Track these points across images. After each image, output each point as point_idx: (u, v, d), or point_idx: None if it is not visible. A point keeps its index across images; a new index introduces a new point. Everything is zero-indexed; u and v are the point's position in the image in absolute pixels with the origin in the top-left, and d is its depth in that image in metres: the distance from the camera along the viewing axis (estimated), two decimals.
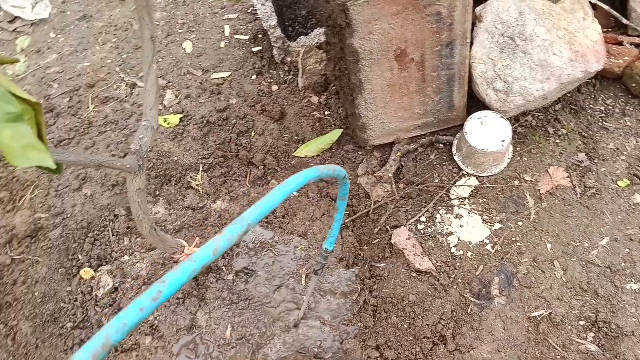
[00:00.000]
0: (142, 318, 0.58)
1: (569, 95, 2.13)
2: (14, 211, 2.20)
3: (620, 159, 1.99)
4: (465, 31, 1.88)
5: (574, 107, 2.12)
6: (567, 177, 1.97)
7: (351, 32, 1.79)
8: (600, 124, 2.08)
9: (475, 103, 2.11)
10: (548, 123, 2.10)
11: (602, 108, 2.11)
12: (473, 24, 2.02)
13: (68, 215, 2.17)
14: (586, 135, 2.06)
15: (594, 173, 1.97)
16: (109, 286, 1.97)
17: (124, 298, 1.93)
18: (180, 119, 2.42)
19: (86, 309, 1.94)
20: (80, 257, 2.06)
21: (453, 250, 1.90)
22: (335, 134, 2.23)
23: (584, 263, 1.80)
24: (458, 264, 1.87)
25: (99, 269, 2.02)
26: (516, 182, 2.00)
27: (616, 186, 1.93)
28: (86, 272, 2.01)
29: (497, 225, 1.92)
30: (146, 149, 1.40)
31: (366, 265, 1.94)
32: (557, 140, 2.06)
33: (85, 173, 2.28)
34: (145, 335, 1.86)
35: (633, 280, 1.75)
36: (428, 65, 1.95)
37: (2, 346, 1.88)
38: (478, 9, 2.01)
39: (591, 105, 2.12)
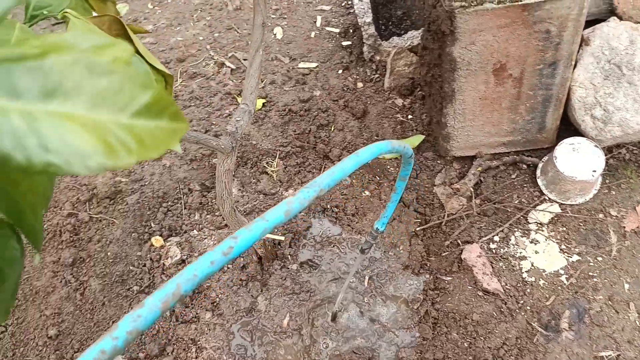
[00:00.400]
0: (212, 272, 0.59)
1: None
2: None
3: None
4: (571, 52, 1.81)
5: None
6: None
7: (453, 40, 1.76)
8: None
9: (567, 128, 2.04)
10: None
11: None
12: (579, 47, 1.94)
13: (146, 183, 2.24)
14: None
15: None
16: (176, 257, 2.02)
17: None
18: (263, 103, 2.45)
19: (153, 276, 2.00)
20: (152, 225, 2.12)
21: (525, 275, 1.84)
22: (417, 139, 2.20)
23: None
24: (528, 290, 1.81)
25: (169, 239, 2.08)
26: (601, 215, 1.92)
27: None
28: (157, 240, 2.07)
29: (574, 257, 1.85)
30: (241, 132, 1.42)
31: (431, 277, 1.92)
32: None
33: None
34: (207, 310, 1.90)
35: None
36: (526, 83, 1.89)
37: (71, 299, 1.97)
38: (587, 31, 1.93)
39: None
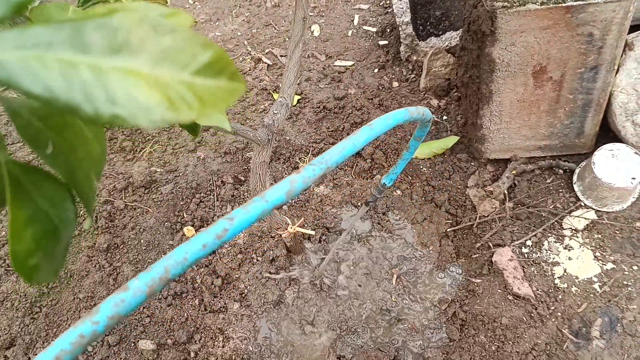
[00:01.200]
0: (204, 254, 0.55)
1: None
2: (134, 161, 2.34)
3: None
4: (614, 57, 1.77)
5: None
6: None
7: (493, 41, 1.75)
8: None
9: (605, 134, 2.00)
10: None
11: None
12: (622, 51, 1.90)
13: (180, 174, 2.28)
14: None
15: None
16: None
17: (220, 262, 2.00)
18: (298, 100, 2.46)
19: None
20: (185, 215, 2.16)
21: (557, 281, 1.81)
22: (451, 140, 2.19)
23: None
24: (560, 296, 1.78)
25: (200, 229, 2.11)
26: (638, 224, 1.88)
27: None
28: (189, 230, 2.10)
29: (609, 265, 1.81)
30: (278, 125, 1.44)
31: (461, 278, 1.90)
32: None
33: (202, 137, 2.38)
34: (235, 301, 1.92)
35: None
36: (566, 87, 1.86)
37: (104, 283, 2.01)
38: (631, 36, 1.89)
39: None
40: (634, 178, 1.81)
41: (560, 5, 1.63)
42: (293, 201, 2.16)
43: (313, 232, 1.81)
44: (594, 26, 1.69)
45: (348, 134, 2.32)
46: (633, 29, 1.90)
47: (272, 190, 0.66)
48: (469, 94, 2.07)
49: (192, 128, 1.31)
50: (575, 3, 1.63)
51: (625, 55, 1.90)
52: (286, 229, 1.75)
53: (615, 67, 1.82)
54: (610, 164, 1.85)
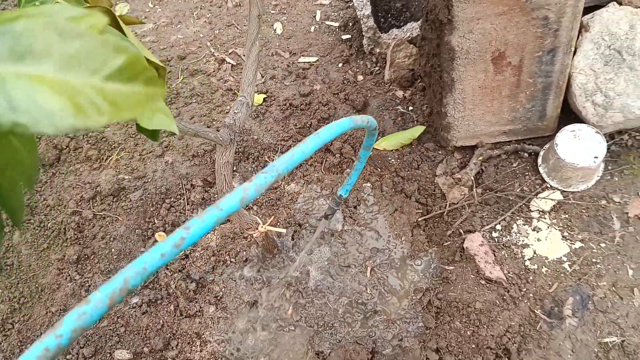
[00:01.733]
0: (163, 264, 0.56)
1: None
2: (100, 169, 2.31)
3: None
4: (570, 39, 1.80)
5: None
6: None
7: (451, 29, 1.76)
8: None
9: (567, 115, 2.03)
10: None
11: None
12: (578, 33, 1.93)
13: (149, 180, 2.25)
14: None
15: None
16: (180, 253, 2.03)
17: (193, 266, 1.99)
18: (264, 98, 2.45)
19: (157, 272, 2.01)
20: (156, 221, 2.13)
21: (527, 263, 1.84)
22: (417, 130, 2.20)
23: None
24: (531, 278, 1.81)
25: None
26: (603, 202, 1.91)
27: None
28: (160, 236, 2.08)
29: (577, 244, 1.84)
30: (239, 124, 1.43)
31: (434, 266, 1.92)
32: None
33: (169, 141, 2.36)
34: (210, 304, 1.91)
35: None
36: (525, 71, 1.89)
37: (76, 295, 1.98)
38: (586, 17, 1.92)
39: None
40: (596, 157, 1.84)
41: None
42: (264, 200, 2.15)
43: (284, 230, 1.80)
44: (548, 9, 1.71)
45: (315, 130, 2.32)
46: (588, 10, 1.93)
47: (226, 199, 0.67)
48: (432, 83, 2.08)
49: (152, 133, 1.29)
50: None
51: (581, 37, 1.93)
52: (257, 229, 1.74)
53: (572, 49, 1.85)
54: (573, 145, 1.88)
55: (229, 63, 2.61)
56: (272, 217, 1.82)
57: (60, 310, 1.93)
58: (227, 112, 2.43)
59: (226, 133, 1.41)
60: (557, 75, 1.90)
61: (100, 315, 0.44)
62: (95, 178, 2.27)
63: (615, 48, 1.84)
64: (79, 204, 2.19)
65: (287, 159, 0.73)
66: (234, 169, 2.26)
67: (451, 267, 1.88)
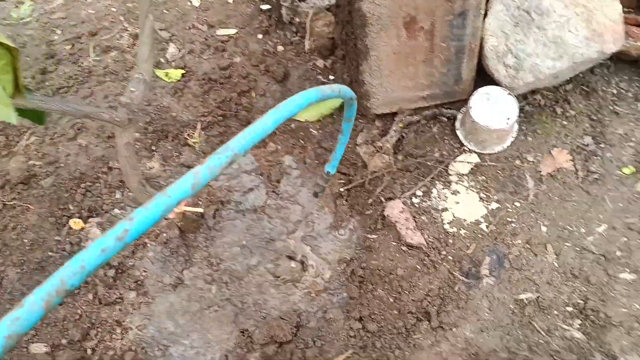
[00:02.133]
0: (104, 260, 0.50)
1: (581, 75, 2.06)
2: (9, 157, 2.18)
3: (628, 145, 1.93)
4: (479, 2, 1.80)
5: (585, 89, 2.05)
6: (570, 160, 1.92)
7: None
8: (611, 107, 2.01)
9: (484, 78, 2.05)
10: (557, 103, 2.03)
11: (615, 92, 2.04)
12: None
13: (62, 165, 2.14)
14: (595, 118, 1.99)
15: (598, 158, 1.91)
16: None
17: None
18: (182, 74, 2.36)
19: None
20: (71, 207, 2.04)
21: (447, 226, 1.86)
22: (338, 100, 2.17)
23: (578, 249, 1.77)
24: (450, 241, 1.83)
25: (89, 220, 2.01)
26: (518, 162, 1.95)
27: (620, 173, 1.88)
28: (76, 223, 2.00)
29: (494, 205, 1.88)
30: (138, 103, 1.36)
31: (358, 236, 1.92)
32: (565, 122, 2.00)
33: (82, 123, 2.24)
34: (130, 290, 1.86)
35: (628, 270, 1.72)
36: (438, 35, 1.88)
37: None
38: None
39: (604, 88, 2.05)
40: (509, 118, 1.87)
41: None
42: None
43: (201, 210, 1.75)
44: None
45: (236, 104, 2.26)
46: None
47: (176, 185, 0.58)
48: (348, 51, 2.05)
49: (37, 116, 1.21)
50: None
51: None
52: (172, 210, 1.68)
53: (482, 12, 1.85)
54: (486, 107, 1.90)
55: None
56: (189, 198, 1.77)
57: None
58: None
59: (123, 113, 1.34)
60: (469, 38, 1.90)
61: (36, 320, 0.41)
62: (3, 166, 2.14)
63: (525, 8, 1.85)
64: None
65: (245, 136, 0.64)
66: (153, 148, 2.18)
67: (374, 236, 1.89)
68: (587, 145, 1.94)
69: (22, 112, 1.15)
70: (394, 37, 1.86)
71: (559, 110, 2.02)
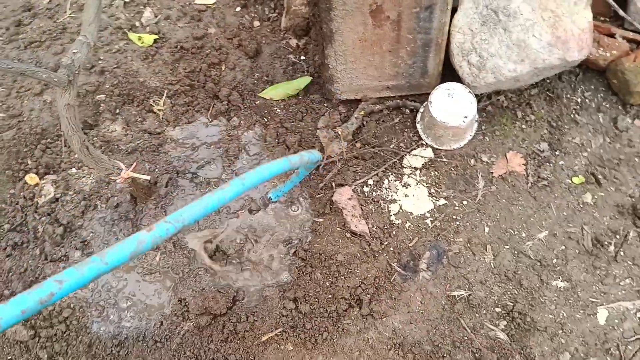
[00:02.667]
0: (22, 319, 0.47)
1: (547, 81, 2.05)
2: None
3: (582, 155, 1.94)
4: None
5: (550, 95, 2.05)
6: (523, 164, 1.93)
7: None
8: (572, 116, 2.01)
9: (452, 73, 2.04)
10: (519, 106, 2.03)
11: (579, 100, 2.04)
12: None
13: (24, 119, 2.15)
14: (555, 125, 2.00)
15: (551, 165, 1.92)
16: (50, 195, 1.98)
17: (62, 210, 1.94)
18: (155, 40, 2.36)
19: (25, 214, 1.96)
20: (29, 162, 2.06)
21: (392, 218, 1.88)
22: (304, 81, 2.18)
23: (516, 252, 1.79)
24: (394, 232, 1.86)
25: (45, 177, 2.03)
26: (472, 161, 1.96)
27: (570, 182, 1.89)
28: (31, 178, 2.01)
29: (442, 201, 1.90)
30: (79, 65, 1.37)
31: (305, 218, 1.94)
32: (524, 126, 2.01)
33: None
34: (77, 249, 1.88)
35: (561, 278, 1.74)
36: (404, 27, 1.87)
37: None
38: None
39: (568, 96, 2.05)
40: (465, 117, 1.88)
41: None
42: (146, 145, 2.10)
43: (148, 177, 1.77)
44: None
45: (205, 75, 2.26)
46: None
47: (114, 249, 0.53)
48: (316, 34, 2.05)
49: None
50: None
51: None
52: (119, 175, 1.70)
53: (449, 7, 1.84)
54: (446, 103, 1.90)
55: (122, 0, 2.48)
56: (134, 163, 1.78)
57: None
58: (115, 52, 2.33)
59: (63, 74, 1.35)
60: (435, 32, 1.90)
61: None
62: None
63: (493, 8, 1.84)
64: None
65: (200, 207, 0.58)
66: (117, 111, 2.19)
67: (320, 220, 1.91)
68: (542, 151, 1.95)
69: None
70: (360, 24, 1.85)
71: (520, 113, 2.02)
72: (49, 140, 2.11)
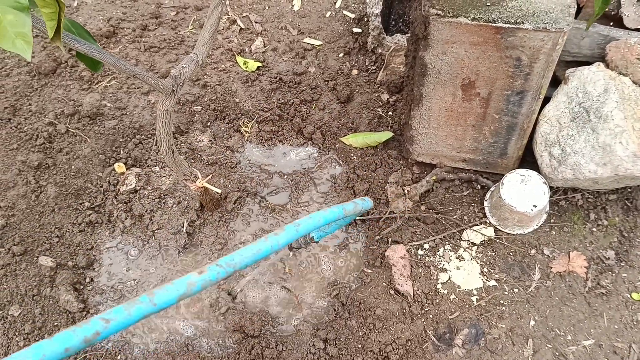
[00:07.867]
0: (64, 357, 0.47)
1: (629, 190, 2.01)
2: (88, 91, 2.43)
3: None
4: (540, 86, 1.82)
5: (628, 204, 2.00)
6: (585, 267, 1.89)
7: (426, 46, 1.79)
8: None
9: (531, 160, 2.05)
10: (594, 209, 2.00)
11: None
12: (558, 83, 1.95)
13: (127, 113, 2.36)
14: (626, 235, 1.94)
15: (613, 274, 1.86)
16: (131, 186, 2.14)
17: (138, 202, 2.10)
18: (259, 67, 2.52)
19: (106, 197, 2.13)
20: (121, 152, 2.25)
21: (439, 286, 1.89)
22: (385, 135, 2.25)
23: (557, 354, 1.74)
24: (437, 300, 1.86)
25: (131, 168, 2.20)
26: (533, 251, 1.94)
27: (629, 296, 1.82)
28: (120, 167, 2.19)
29: (492, 282, 1.88)
30: (184, 78, 1.51)
31: (355, 266, 1.98)
32: (594, 229, 1.97)
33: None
34: (141, 240, 2.02)
35: None
36: (492, 106, 1.91)
37: (27, 198, 2.11)
38: (569, 71, 1.93)
39: None
40: (535, 206, 1.87)
41: (490, 24, 1.68)
42: (225, 161, 2.24)
43: (219, 190, 1.89)
44: (522, 52, 1.73)
45: (295, 110, 2.39)
46: (580, 64, 1.94)
47: (163, 291, 0.55)
48: (406, 95, 2.12)
49: (91, 63, 1.39)
50: (505, 25, 1.67)
51: (559, 88, 1.94)
52: (194, 182, 1.83)
53: (542, 96, 1.86)
54: (517, 188, 1.90)
55: (239, 25, 2.69)
56: (210, 175, 1.91)
57: (8, 206, 2.07)
58: (220, 70, 2.52)
59: (169, 83, 1.49)
60: (523, 118, 1.92)
61: None
62: (80, 97, 2.39)
63: (585, 107, 1.85)
64: (58, 117, 2.31)
65: (252, 253, 0.59)
66: (208, 124, 2.35)
67: (369, 271, 1.94)
68: (608, 258, 1.90)
69: (81, 57, 1.33)
70: (450, 94, 1.91)
71: (593, 215, 1.98)
72: (143, 136, 2.30)
